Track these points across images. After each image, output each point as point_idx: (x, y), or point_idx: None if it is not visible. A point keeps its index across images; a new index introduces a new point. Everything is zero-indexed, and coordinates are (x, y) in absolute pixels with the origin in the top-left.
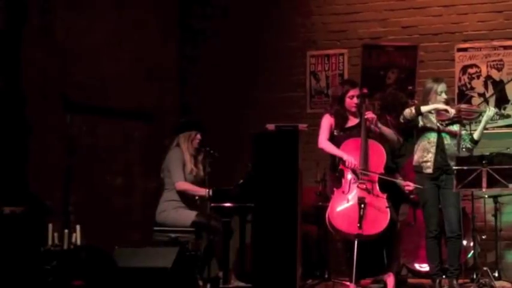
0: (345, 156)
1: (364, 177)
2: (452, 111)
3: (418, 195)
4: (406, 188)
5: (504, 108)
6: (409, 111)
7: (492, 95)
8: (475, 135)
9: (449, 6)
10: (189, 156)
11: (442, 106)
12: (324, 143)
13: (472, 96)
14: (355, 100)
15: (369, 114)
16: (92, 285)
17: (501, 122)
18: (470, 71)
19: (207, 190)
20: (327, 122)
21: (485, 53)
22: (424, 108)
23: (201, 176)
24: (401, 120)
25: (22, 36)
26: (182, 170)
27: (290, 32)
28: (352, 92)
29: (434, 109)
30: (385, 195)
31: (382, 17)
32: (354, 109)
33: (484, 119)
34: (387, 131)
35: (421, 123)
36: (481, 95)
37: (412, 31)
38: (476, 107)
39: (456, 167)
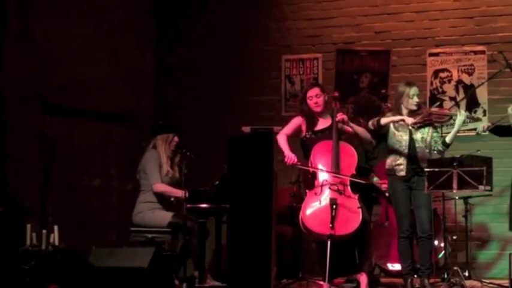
0: (286, 152)
1: (336, 178)
2: (409, 120)
3: (390, 197)
4: (383, 186)
5: (475, 112)
6: (372, 122)
7: (463, 99)
8: (447, 139)
9: (421, 12)
10: (165, 158)
11: (397, 118)
12: (280, 135)
13: (443, 100)
14: (314, 100)
15: (340, 116)
16: None
17: (471, 125)
18: (442, 75)
19: (184, 191)
20: (296, 121)
21: (456, 57)
22: (383, 121)
23: (176, 177)
24: (370, 127)
25: (2, 39)
26: (159, 171)
27: (265, 36)
28: (310, 93)
29: (391, 121)
30: (356, 196)
31: (355, 23)
32: (316, 109)
33: (457, 123)
34: (360, 130)
35: (392, 128)
36: (452, 98)
37: (385, 36)
38: (447, 111)
39: (428, 169)
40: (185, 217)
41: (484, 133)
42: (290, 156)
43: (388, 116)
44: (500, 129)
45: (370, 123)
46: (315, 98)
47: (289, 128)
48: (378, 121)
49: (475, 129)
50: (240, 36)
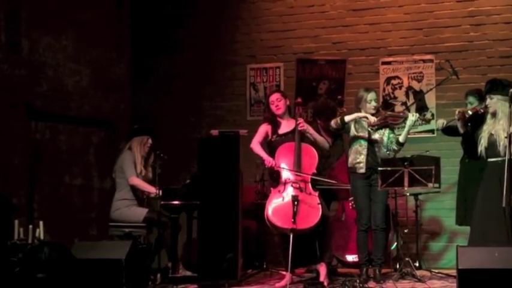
0: (264, 157)
1: (298, 177)
2: (372, 119)
3: (351, 193)
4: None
5: (424, 115)
6: (334, 121)
7: (413, 103)
8: (401, 138)
9: (375, 24)
10: (140, 159)
11: (362, 114)
12: (254, 144)
13: (394, 105)
14: (276, 104)
15: (301, 127)
16: (53, 278)
17: (421, 128)
18: (394, 82)
19: (158, 189)
20: (263, 128)
21: (406, 66)
22: (347, 118)
23: (149, 177)
24: (331, 129)
25: None
26: (134, 168)
27: (232, 48)
28: (271, 98)
29: (356, 117)
30: (316, 193)
31: (314, 34)
32: (277, 112)
33: (408, 123)
34: (319, 139)
35: (353, 129)
36: (403, 103)
37: (341, 46)
38: (401, 113)
39: (381, 168)
40: (159, 213)
41: (442, 128)
42: (269, 160)
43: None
44: (450, 128)
45: (333, 122)
46: (276, 102)
47: (259, 136)
48: (342, 118)
49: (426, 131)
50: (209, 48)
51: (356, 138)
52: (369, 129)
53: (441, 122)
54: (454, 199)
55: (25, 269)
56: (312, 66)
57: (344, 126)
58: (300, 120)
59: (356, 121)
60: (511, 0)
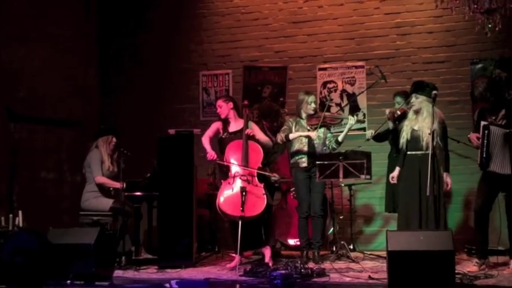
0: (208, 150)
1: (245, 171)
2: (313, 134)
3: (293, 184)
4: (272, 178)
5: (356, 115)
6: (280, 138)
7: (347, 104)
8: (340, 138)
9: (312, 34)
10: (106, 156)
11: (304, 133)
12: (204, 137)
13: (330, 106)
14: (218, 109)
15: (248, 131)
16: (31, 261)
17: (355, 126)
18: (329, 85)
19: (121, 182)
20: (214, 125)
21: (340, 71)
22: (291, 136)
23: (115, 171)
24: (279, 141)
25: None
26: (100, 167)
27: (186, 56)
28: (216, 104)
29: (298, 136)
30: (262, 185)
31: (258, 44)
32: (220, 115)
33: (347, 126)
34: (264, 140)
35: (294, 130)
36: (337, 104)
37: (282, 55)
38: (337, 114)
39: (318, 162)
40: (123, 203)
41: (372, 137)
42: (211, 153)
43: (287, 124)
44: (379, 136)
45: (278, 137)
46: (218, 108)
47: (210, 131)
48: (287, 136)
49: (359, 129)
50: (166, 56)
51: (297, 136)
52: (308, 128)
53: (369, 132)
54: (383, 189)
55: (5, 253)
56: (257, 73)
57: (289, 141)
58: (248, 130)
59: (297, 122)
60: (433, 13)
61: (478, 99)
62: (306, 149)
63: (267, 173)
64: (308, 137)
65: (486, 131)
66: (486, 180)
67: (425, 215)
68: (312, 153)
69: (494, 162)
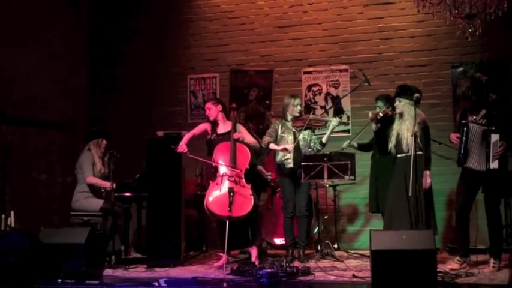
0: (181, 143)
1: (233, 171)
2: (289, 147)
3: (279, 184)
4: (268, 176)
5: (341, 117)
6: (264, 145)
7: (331, 107)
8: (323, 139)
9: (297, 39)
10: (97, 159)
11: (280, 147)
12: (187, 133)
13: (315, 109)
14: (207, 112)
15: (236, 135)
16: (23, 261)
17: (338, 128)
18: (314, 89)
19: (112, 183)
20: (202, 125)
21: (325, 75)
22: (271, 146)
23: (105, 173)
24: (263, 145)
25: None
26: (92, 168)
27: (174, 60)
28: (205, 107)
29: (277, 150)
30: (249, 186)
31: (245, 48)
32: (208, 117)
33: (330, 128)
34: (251, 142)
35: (280, 132)
36: (322, 107)
37: (268, 59)
38: (321, 117)
39: (303, 163)
40: (113, 203)
41: (345, 149)
42: (181, 145)
43: (273, 127)
44: (361, 146)
45: (264, 144)
46: (207, 110)
47: (196, 129)
48: (268, 145)
49: (343, 131)
50: (155, 61)
51: (283, 139)
52: (294, 130)
53: (345, 144)
54: (367, 189)
55: None
56: (244, 76)
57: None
58: (236, 134)
59: (282, 124)
60: (415, 18)
61: (460, 98)
62: (292, 150)
63: (264, 172)
64: (285, 149)
65: (465, 128)
66: (465, 178)
67: (415, 216)
68: (297, 155)
69: (471, 159)
